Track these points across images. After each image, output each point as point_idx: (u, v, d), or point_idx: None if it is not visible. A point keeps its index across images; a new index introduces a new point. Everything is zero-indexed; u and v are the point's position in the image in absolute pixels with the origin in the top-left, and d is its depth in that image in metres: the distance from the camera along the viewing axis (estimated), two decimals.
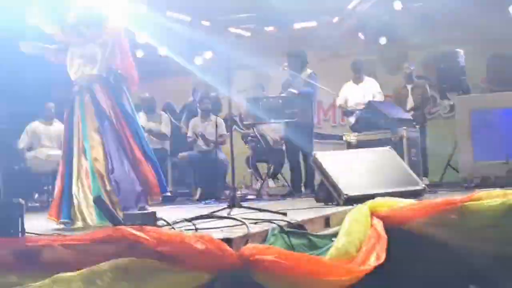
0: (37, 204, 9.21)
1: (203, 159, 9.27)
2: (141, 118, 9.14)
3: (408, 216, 4.35)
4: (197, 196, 8.83)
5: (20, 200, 3.47)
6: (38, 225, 4.81)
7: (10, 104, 10.99)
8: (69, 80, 5.29)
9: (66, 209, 4.86)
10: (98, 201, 3.55)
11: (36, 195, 9.69)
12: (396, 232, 4.28)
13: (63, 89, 5.63)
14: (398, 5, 10.88)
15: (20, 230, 3.52)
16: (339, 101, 9.74)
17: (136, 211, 3.43)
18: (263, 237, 3.32)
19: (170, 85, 13.67)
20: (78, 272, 2.75)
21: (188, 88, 13.35)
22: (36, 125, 9.54)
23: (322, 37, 12.36)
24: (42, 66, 5.99)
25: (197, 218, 3.82)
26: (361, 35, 11.88)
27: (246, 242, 3.05)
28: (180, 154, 9.21)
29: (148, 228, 3.07)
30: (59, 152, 9.18)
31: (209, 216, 4.04)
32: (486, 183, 7.88)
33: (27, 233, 3.62)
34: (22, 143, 9.52)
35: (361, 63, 9.75)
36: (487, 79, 10.01)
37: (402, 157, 7.51)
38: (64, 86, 5.55)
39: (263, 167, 10.63)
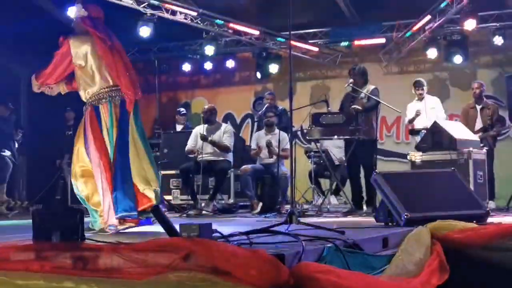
0: None
1: (265, 172, 9.28)
2: (203, 130, 9.21)
3: (468, 240, 4.26)
4: (257, 209, 8.83)
5: (81, 207, 3.57)
6: None
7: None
8: None
9: None
10: (156, 211, 3.59)
11: None
12: (456, 255, 4.18)
13: None
14: (471, 24, 10.66)
15: (79, 235, 3.61)
16: (408, 117, 9.66)
17: (194, 222, 3.46)
18: (318, 255, 3.29)
19: (232, 94, 13.88)
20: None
21: (250, 97, 13.64)
22: None
23: (390, 53, 12.30)
24: None
25: (252, 232, 3.82)
26: (429, 53, 11.74)
27: (300, 260, 3.03)
28: (243, 167, 9.24)
29: (203, 240, 3.09)
30: None
31: (265, 230, 4.03)
32: None
33: (87, 239, 3.71)
34: None
35: (421, 81, 9.65)
36: None
37: (467, 179, 7.35)
38: None
39: (325, 183, 10.58)
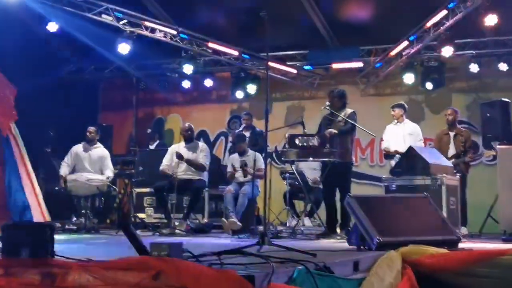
0: (74, 227, 9.28)
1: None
2: (181, 149, 9.18)
3: (439, 265, 4.28)
4: (235, 227, 8.74)
5: (51, 222, 3.52)
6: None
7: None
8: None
9: None
10: (126, 229, 3.57)
11: (74, 218, 9.77)
12: (427, 280, 4.21)
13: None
14: (448, 51, 10.80)
15: (49, 252, 3.56)
16: (384, 144, 9.64)
17: (164, 242, 3.42)
18: (288, 277, 3.28)
19: (208, 112, 13.91)
20: None
21: (225, 115, 13.67)
22: (80, 148, 9.64)
23: (368, 77, 12.40)
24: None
25: (223, 252, 3.81)
26: (406, 77, 11.85)
27: (270, 281, 3.02)
28: (227, 188, 9.17)
29: (173, 259, 3.07)
30: (98, 177, 9.34)
31: (236, 251, 4.03)
32: None
33: (56, 255, 3.66)
34: (66, 165, 9.53)
35: (395, 104, 9.69)
36: None
37: (440, 205, 7.40)
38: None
39: (300, 205, 10.57)
